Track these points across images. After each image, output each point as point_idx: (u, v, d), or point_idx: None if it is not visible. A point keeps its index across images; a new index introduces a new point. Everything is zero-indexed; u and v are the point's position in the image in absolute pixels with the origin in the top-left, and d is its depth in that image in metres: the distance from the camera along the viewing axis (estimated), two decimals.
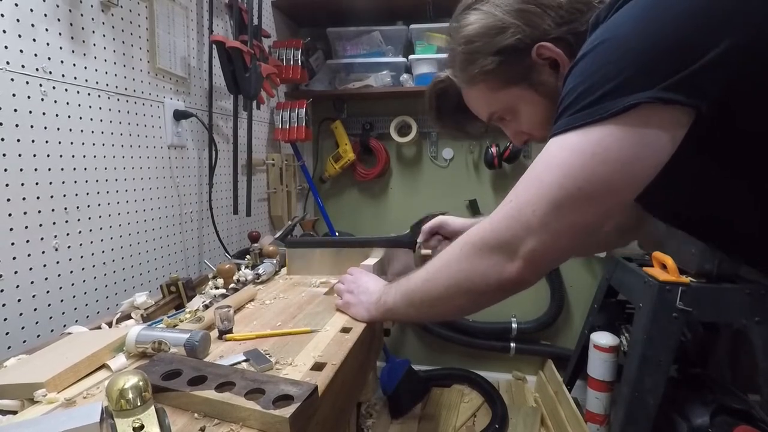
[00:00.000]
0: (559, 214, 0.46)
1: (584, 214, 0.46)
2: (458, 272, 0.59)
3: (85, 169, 0.95)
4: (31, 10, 0.83)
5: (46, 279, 0.87)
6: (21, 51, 0.81)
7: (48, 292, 0.87)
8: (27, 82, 0.82)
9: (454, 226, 0.96)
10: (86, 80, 0.95)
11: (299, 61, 1.70)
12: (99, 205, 0.99)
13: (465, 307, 0.64)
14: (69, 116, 0.91)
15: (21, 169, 0.81)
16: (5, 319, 0.79)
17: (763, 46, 0.40)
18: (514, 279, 0.52)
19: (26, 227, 0.83)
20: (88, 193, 0.96)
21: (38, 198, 0.85)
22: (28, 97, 0.83)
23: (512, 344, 2.02)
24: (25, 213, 0.82)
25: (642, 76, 0.41)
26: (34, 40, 0.83)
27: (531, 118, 0.63)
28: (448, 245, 0.78)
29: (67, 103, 0.91)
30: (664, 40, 0.41)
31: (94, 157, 0.97)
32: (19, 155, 0.81)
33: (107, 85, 1.00)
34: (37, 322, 0.85)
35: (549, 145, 0.48)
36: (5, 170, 0.79)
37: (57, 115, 0.88)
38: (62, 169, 0.90)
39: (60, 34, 0.89)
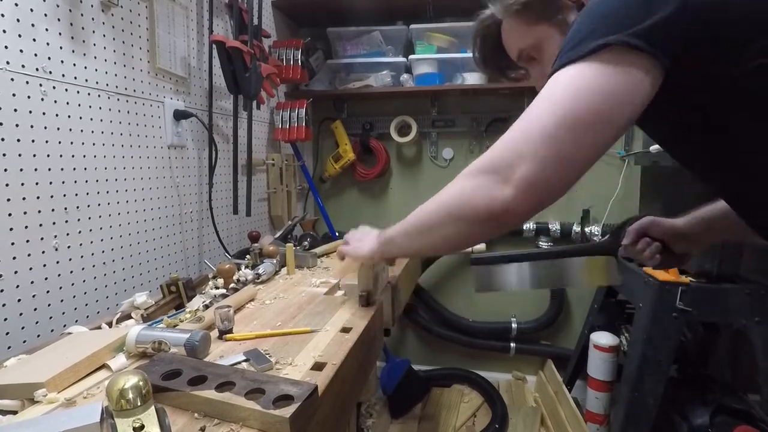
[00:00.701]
0: (547, 142, 0.49)
1: (565, 143, 0.49)
2: (449, 197, 0.59)
3: (85, 169, 0.95)
4: (31, 10, 0.83)
5: (46, 279, 0.87)
6: (21, 51, 0.81)
7: (48, 292, 0.87)
8: (27, 82, 0.82)
9: (666, 226, 0.83)
10: (86, 80, 0.95)
11: (299, 61, 1.70)
12: (99, 205, 0.99)
13: (454, 237, 0.60)
14: (69, 116, 0.91)
15: (21, 169, 0.82)
16: (5, 319, 0.79)
17: (716, 8, 0.46)
18: (503, 205, 0.52)
19: (26, 227, 0.83)
20: (88, 193, 0.96)
21: (38, 198, 0.85)
22: (28, 97, 0.83)
23: (512, 344, 2.02)
24: (25, 213, 0.82)
25: (612, 24, 0.48)
26: (34, 40, 0.83)
27: (553, 59, 0.65)
28: (657, 248, 0.82)
29: (67, 103, 0.91)
30: None
31: (94, 157, 0.97)
32: (19, 155, 0.81)
33: (107, 85, 1.00)
34: (37, 322, 0.85)
35: (550, 80, 0.53)
36: (5, 170, 0.79)
37: (57, 115, 0.88)
38: (62, 169, 0.90)
39: (60, 34, 0.89)
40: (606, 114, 0.48)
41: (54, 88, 0.88)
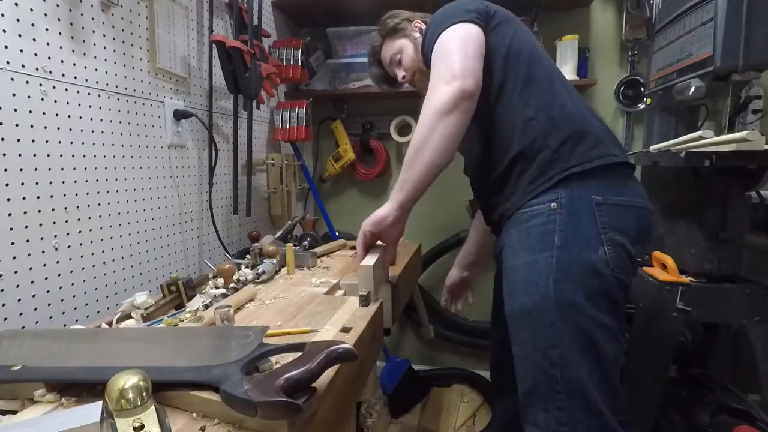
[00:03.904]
0: (457, 53, 0.84)
1: (465, 50, 0.84)
2: (428, 113, 0.83)
3: (85, 169, 0.95)
4: (31, 10, 0.83)
5: (46, 279, 0.87)
6: (21, 51, 0.81)
7: (48, 292, 0.87)
8: (27, 82, 0.82)
9: (459, 280, 1.54)
10: (86, 80, 0.95)
11: (299, 61, 1.70)
12: (99, 205, 0.99)
13: (448, 130, 0.83)
14: (69, 116, 0.91)
15: (21, 169, 0.82)
16: (5, 319, 0.79)
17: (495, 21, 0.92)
18: (460, 88, 0.81)
19: (26, 227, 0.83)
20: (88, 193, 0.96)
21: (38, 198, 0.85)
22: (28, 97, 0.83)
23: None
24: (25, 213, 0.82)
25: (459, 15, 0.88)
26: (34, 39, 0.83)
27: (408, 59, 1.16)
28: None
29: (67, 103, 0.91)
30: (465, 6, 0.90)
31: (94, 157, 0.97)
32: (19, 155, 0.81)
33: (107, 84, 1.00)
34: (37, 322, 0.85)
35: (438, 41, 0.87)
36: (5, 170, 0.79)
37: (57, 115, 0.88)
38: (62, 169, 0.90)
39: (60, 33, 0.89)
40: (468, 38, 0.86)
41: (54, 87, 0.88)
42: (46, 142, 0.86)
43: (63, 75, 0.89)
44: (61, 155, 0.90)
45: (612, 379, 0.83)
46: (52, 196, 0.88)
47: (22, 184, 0.82)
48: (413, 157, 0.87)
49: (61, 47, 0.89)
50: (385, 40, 1.20)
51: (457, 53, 0.83)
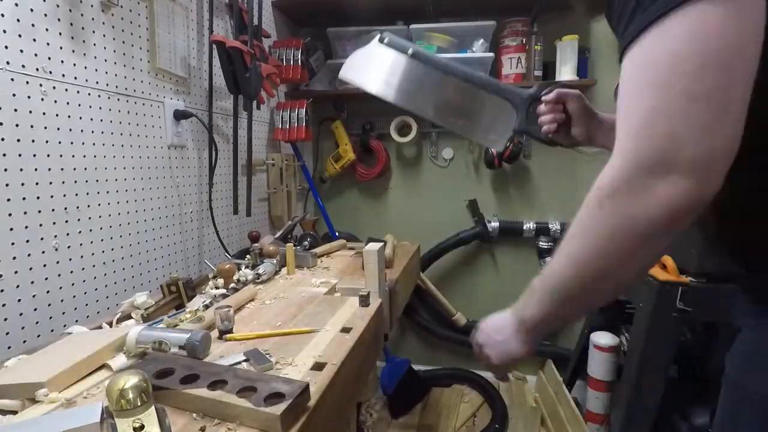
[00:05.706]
0: (699, 103, 0.38)
1: (719, 87, 0.38)
2: (602, 232, 0.46)
3: (85, 169, 0.95)
4: (32, 10, 0.83)
5: (46, 279, 0.87)
6: (21, 51, 0.81)
7: (48, 292, 0.87)
8: (27, 82, 0.82)
9: (586, 105, 0.78)
10: (86, 80, 0.95)
11: (299, 61, 1.70)
12: (99, 205, 0.99)
13: (633, 271, 0.47)
14: (69, 116, 0.91)
15: (21, 169, 0.82)
16: (5, 319, 0.79)
17: None
18: (689, 199, 0.41)
19: (26, 227, 0.83)
20: (88, 193, 0.96)
21: (38, 198, 0.85)
22: (28, 97, 0.83)
23: None
24: (25, 213, 0.82)
25: None
26: (35, 40, 0.83)
27: None
28: (561, 118, 0.81)
29: (67, 103, 0.91)
30: None
31: (94, 157, 0.97)
32: (19, 155, 0.81)
33: (107, 85, 1.00)
34: (37, 322, 0.85)
35: (634, 50, 0.42)
36: (5, 170, 0.79)
37: (57, 115, 0.88)
38: (62, 169, 0.90)
39: (60, 34, 0.89)
40: (739, 50, 0.39)
41: (54, 88, 0.88)
42: (46, 142, 0.86)
43: (63, 75, 0.90)
44: (61, 155, 0.90)
45: None
46: (52, 196, 0.88)
47: (22, 184, 0.82)
48: (579, 290, 0.51)
49: (61, 47, 0.89)
50: None
51: (696, 103, 0.39)
